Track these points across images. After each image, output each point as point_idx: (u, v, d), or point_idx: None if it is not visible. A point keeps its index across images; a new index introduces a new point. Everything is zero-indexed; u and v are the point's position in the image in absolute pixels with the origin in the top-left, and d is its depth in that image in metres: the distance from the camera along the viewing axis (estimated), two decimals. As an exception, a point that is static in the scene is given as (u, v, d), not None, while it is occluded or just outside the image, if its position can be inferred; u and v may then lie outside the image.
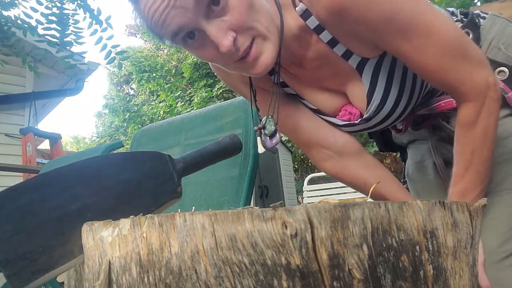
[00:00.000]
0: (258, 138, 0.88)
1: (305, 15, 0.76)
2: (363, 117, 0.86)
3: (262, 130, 0.87)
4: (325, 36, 0.77)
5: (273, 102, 0.86)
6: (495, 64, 0.84)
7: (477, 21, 0.89)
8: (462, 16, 0.91)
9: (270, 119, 0.86)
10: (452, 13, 0.92)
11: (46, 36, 3.50)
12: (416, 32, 0.70)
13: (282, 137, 0.88)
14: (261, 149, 0.87)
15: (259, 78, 0.89)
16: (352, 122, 0.88)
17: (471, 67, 0.72)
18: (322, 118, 0.93)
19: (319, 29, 0.77)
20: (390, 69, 0.80)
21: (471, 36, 0.87)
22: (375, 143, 1.22)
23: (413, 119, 0.95)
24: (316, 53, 0.80)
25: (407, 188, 1.11)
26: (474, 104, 0.72)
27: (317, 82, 0.87)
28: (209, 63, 0.93)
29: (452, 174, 0.78)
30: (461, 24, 0.88)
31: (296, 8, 0.76)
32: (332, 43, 0.78)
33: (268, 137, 0.87)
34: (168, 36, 0.70)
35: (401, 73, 0.80)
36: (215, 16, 0.67)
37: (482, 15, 0.91)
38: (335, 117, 0.91)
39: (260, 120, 0.90)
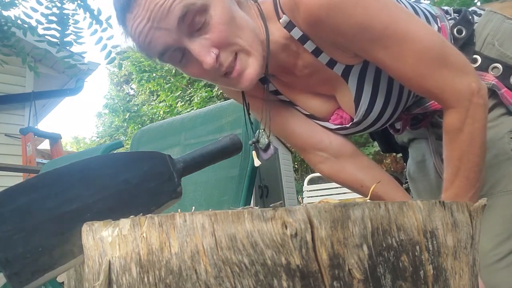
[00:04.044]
0: (253, 152, 0.91)
1: (289, 26, 0.77)
2: (353, 121, 0.87)
3: (257, 144, 0.90)
4: (310, 46, 0.79)
5: (265, 115, 0.89)
6: (489, 60, 0.84)
7: (470, 17, 0.89)
8: (456, 15, 0.91)
9: (263, 133, 0.89)
10: (446, 12, 0.92)
11: (46, 36, 3.50)
12: (392, 41, 0.70)
13: (276, 148, 0.92)
14: (257, 162, 0.91)
15: (255, 88, 0.91)
16: (344, 125, 0.90)
17: (451, 74, 0.71)
18: (316, 123, 0.94)
19: (303, 39, 0.78)
20: (376, 74, 0.80)
21: (464, 33, 0.87)
22: (376, 143, 1.22)
23: (410, 118, 0.95)
24: (305, 62, 0.82)
25: (407, 188, 1.11)
26: (458, 111, 0.72)
27: (309, 88, 0.89)
28: None
29: (443, 180, 0.77)
30: (453, 22, 0.88)
31: (280, 20, 0.78)
32: (316, 52, 0.79)
33: (262, 150, 0.90)
34: (155, 56, 0.73)
35: (388, 77, 0.81)
36: (197, 34, 0.70)
37: (478, 12, 0.91)
38: (327, 121, 0.92)
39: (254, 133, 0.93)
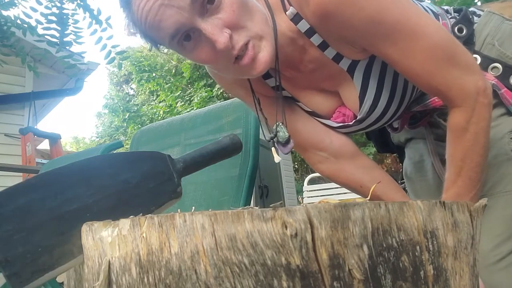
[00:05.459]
0: (273, 148, 0.86)
1: (296, 19, 0.76)
2: (357, 119, 0.86)
3: (275, 138, 0.86)
4: (316, 39, 0.77)
5: (279, 108, 0.85)
6: (489, 60, 0.84)
7: (470, 17, 0.89)
8: (456, 14, 0.91)
9: (281, 126, 0.85)
10: (447, 11, 0.92)
11: (45, 36, 3.49)
12: (402, 36, 0.70)
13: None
14: (277, 159, 0.85)
15: (258, 84, 0.89)
16: (346, 123, 0.89)
17: (458, 72, 0.71)
18: (317, 120, 0.93)
19: (310, 33, 0.77)
20: (381, 70, 0.80)
21: (464, 31, 0.87)
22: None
23: (409, 116, 0.95)
24: (310, 56, 0.81)
25: (405, 188, 1.11)
26: (464, 110, 0.72)
27: (312, 84, 0.88)
28: (210, 72, 0.93)
29: (445, 180, 0.77)
30: (454, 21, 0.88)
31: (287, 12, 0.76)
32: (323, 46, 0.78)
33: (281, 145, 0.86)
34: (164, 39, 0.69)
35: (393, 73, 0.80)
36: (209, 14, 0.67)
37: (478, 12, 0.91)
38: (329, 119, 0.91)
39: (267, 129, 0.89)
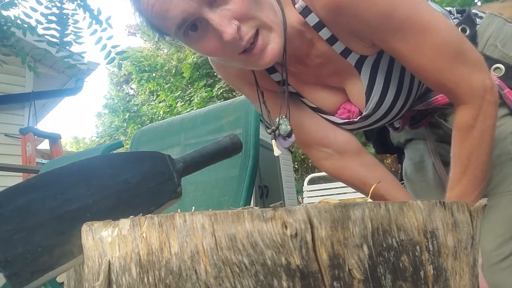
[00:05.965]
0: (273, 140, 0.85)
1: (305, 12, 0.75)
2: (362, 115, 0.86)
3: (276, 131, 0.85)
4: (325, 33, 0.77)
5: (284, 101, 0.84)
6: (491, 61, 0.84)
7: (473, 18, 0.89)
8: (459, 15, 0.92)
9: (284, 119, 0.84)
10: (450, 12, 0.92)
11: (45, 36, 3.49)
12: (413, 31, 0.70)
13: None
14: (277, 152, 0.84)
15: (262, 79, 0.89)
16: (351, 120, 0.88)
17: (467, 69, 0.71)
18: (321, 117, 0.93)
19: (318, 26, 0.76)
20: (389, 66, 0.80)
21: (468, 32, 0.87)
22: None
23: (411, 116, 0.94)
24: (318, 50, 0.80)
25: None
26: (471, 107, 0.72)
27: (317, 80, 0.87)
28: (213, 64, 0.92)
29: (449, 179, 0.77)
30: (458, 21, 0.88)
31: (296, 5, 0.76)
32: (332, 40, 0.78)
33: (282, 138, 0.85)
34: (171, 28, 0.68)
35: (400, 69, 0.80)
36: (217, 5, 0.66)
37: (480, 14, 0.92)
38: (334, 115, 0.91)
39: (267, 122, 0.89)
